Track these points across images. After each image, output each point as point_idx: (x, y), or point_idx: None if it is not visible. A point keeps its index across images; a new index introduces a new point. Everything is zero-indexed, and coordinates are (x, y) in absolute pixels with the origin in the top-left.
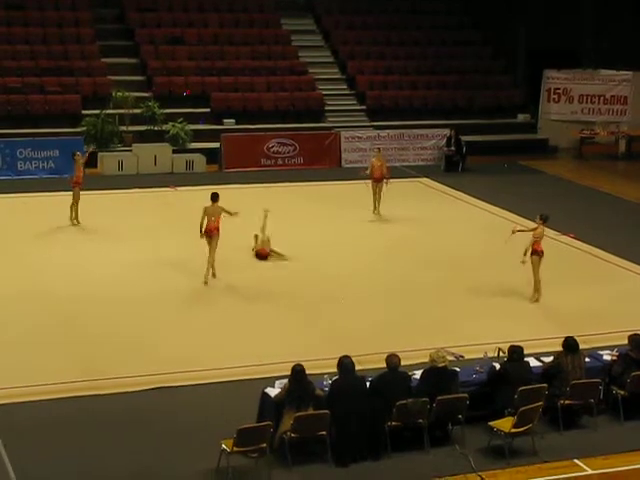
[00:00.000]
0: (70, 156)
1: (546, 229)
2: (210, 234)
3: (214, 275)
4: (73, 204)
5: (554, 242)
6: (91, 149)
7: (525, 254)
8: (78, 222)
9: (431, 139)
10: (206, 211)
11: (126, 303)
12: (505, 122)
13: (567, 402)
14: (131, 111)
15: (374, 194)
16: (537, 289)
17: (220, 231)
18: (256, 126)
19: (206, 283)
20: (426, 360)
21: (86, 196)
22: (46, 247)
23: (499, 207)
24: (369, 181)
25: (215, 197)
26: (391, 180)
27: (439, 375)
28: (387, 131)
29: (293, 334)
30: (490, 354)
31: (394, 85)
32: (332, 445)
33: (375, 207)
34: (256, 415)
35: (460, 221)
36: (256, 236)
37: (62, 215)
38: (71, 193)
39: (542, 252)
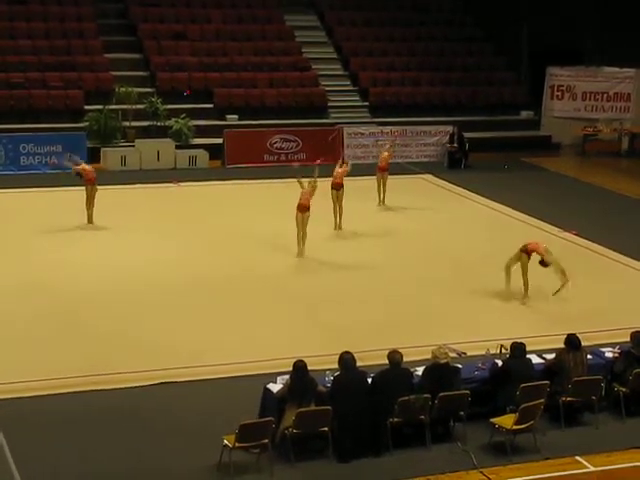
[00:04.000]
0: (73, 152)
1: (548, 226)
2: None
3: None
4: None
5: (556, 239)
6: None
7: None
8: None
9: (434, 136)
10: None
11: (128, 298)
12: (508, 119)
13: (569, 399)
14: (134, 107)
15: (378, 186)
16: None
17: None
18: (259, 122)
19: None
20: (428, 357)
21: None
22: (48, 242)
23: (502, 204)
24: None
25: None
26: (394, 176)
27: (441, 372)
28: (390, 127)
29: (295, 330)
30: (492, 351)
31: (397, 81)
32: (334, 441)
33: (380, 200)
34: (258, 411)
35: (463, 218)
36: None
37: (65, 210)
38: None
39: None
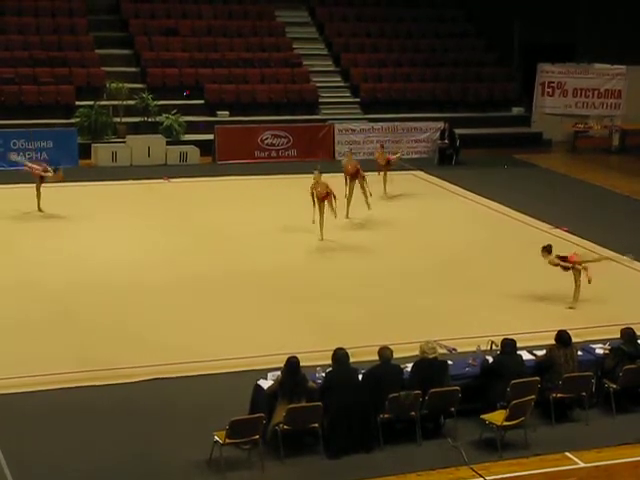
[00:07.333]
0: (64, 147)
1: (539, 222)
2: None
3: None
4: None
5: (547, 235)
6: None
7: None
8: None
9: (425, 132)
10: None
11: (118, 294)
12: (499, 115)
13: (559, 395)
14: (125, 102)
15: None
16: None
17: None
18: (250, 118)
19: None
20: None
21: (80, 187)
22: (38, 237)
23: (493, 200)
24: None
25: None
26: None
27: (429, 366)
28: (381, 124)
29: (285, 326)
30: (483, 347)
31: (388, 77)
32: (324, 437)
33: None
34: (249, 407)
35: (454, 214)
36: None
37: (54, 205)
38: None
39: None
